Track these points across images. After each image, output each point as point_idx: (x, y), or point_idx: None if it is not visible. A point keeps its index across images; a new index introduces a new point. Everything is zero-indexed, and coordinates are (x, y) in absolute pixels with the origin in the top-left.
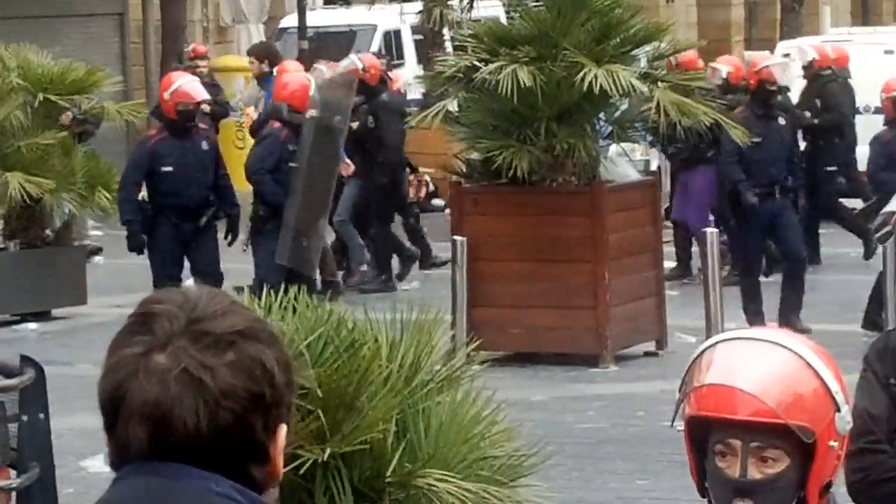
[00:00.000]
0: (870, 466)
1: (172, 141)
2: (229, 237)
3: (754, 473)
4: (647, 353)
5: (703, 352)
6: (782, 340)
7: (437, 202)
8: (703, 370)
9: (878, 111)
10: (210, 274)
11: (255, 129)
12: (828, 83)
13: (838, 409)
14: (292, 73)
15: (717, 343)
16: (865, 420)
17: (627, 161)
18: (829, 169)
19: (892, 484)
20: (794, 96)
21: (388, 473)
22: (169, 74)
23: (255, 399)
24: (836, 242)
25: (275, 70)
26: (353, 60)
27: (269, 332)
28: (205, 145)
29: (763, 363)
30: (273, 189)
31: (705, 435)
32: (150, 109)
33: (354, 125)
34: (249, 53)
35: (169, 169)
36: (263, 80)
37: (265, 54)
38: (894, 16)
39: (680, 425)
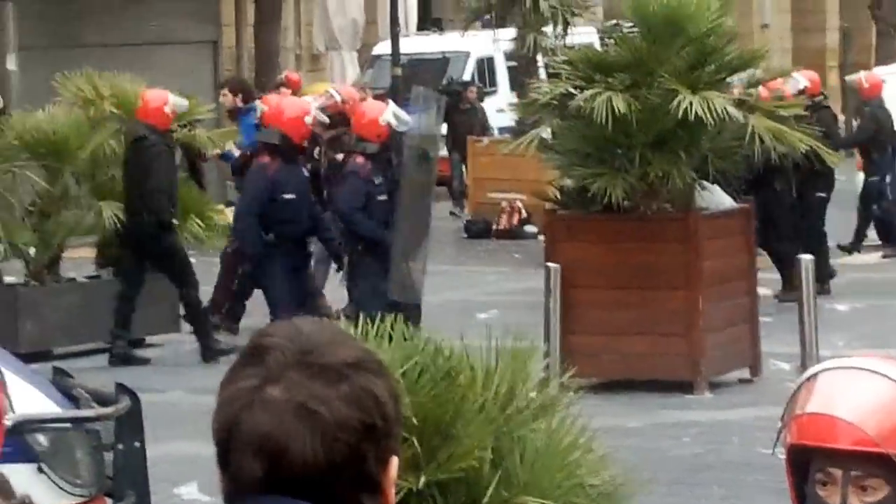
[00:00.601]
0: None
1: (288, 167)
2: (337, 265)
3: (854, 502)
4: (741, 380)
5: (805, 381)
6: (883, 370)
7: (530, 229)
8: (805, 399)
9: None
10: (309, 300)
11: (242, 166)
12: (819, 109)
13: None
14: (370, 104)
15: (819, 373)
16: None
17: (721, 188)
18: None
19: None
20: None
21: (484, 501)
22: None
23: (368, 430)
24: None
25: (257, 104)
26: (331, 93)
27: (379, 362)
28: (305, 171)
29: (863, 392)
30: (370, 226)
31: (806, 462)
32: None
33: (339, 156)
34: (223, 86)
35: (291, 196)
36: (236, 114)
37: (239, 88)
38: None
39: (781, 452)
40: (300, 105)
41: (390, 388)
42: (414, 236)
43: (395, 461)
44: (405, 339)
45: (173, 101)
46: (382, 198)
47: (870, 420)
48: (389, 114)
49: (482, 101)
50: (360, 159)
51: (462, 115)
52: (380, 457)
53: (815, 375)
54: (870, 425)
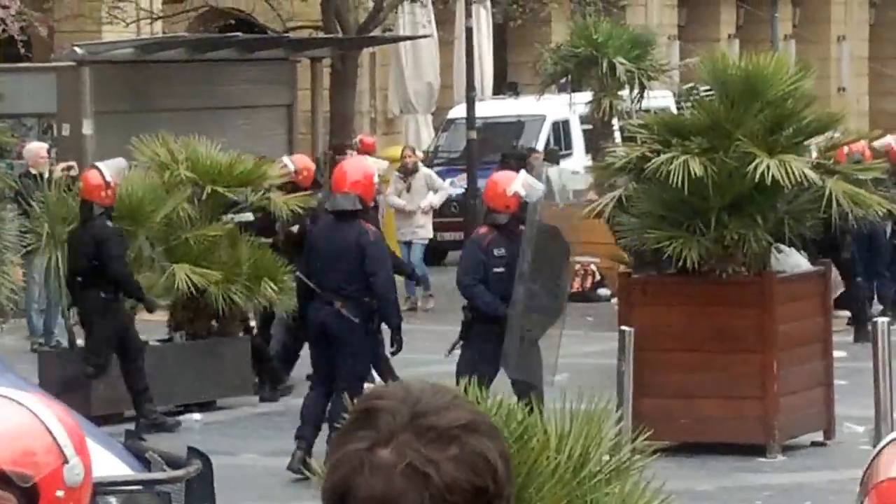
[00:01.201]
0: None
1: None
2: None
3: None
4: (814, 443)
5: (885, 446)
6: None
7: (603, 291)
8: (885, 465)
9: None
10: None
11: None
12: None
13: None
14: (502, 174)
15: None
16: None
17: (798, 251)
18: None
19: None
20: None
21: None
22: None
23: (479, 493)
24: None
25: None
26: (285, 163)
27: (491, 424)
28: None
29: None
30: (489, 299)
31: None
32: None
33: (295, 229)
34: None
35: (501, 270)
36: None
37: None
38: None
39: None
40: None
41: (501, 450)
42: (539, 314)
43: None
44: (479, 402)
45: (378, 167)
46: (499, 270)
47: None
48: (519, 184)
49: (557, 163)
50: (483, 229)
51: None
52: None
53: (893, 441)
54: None
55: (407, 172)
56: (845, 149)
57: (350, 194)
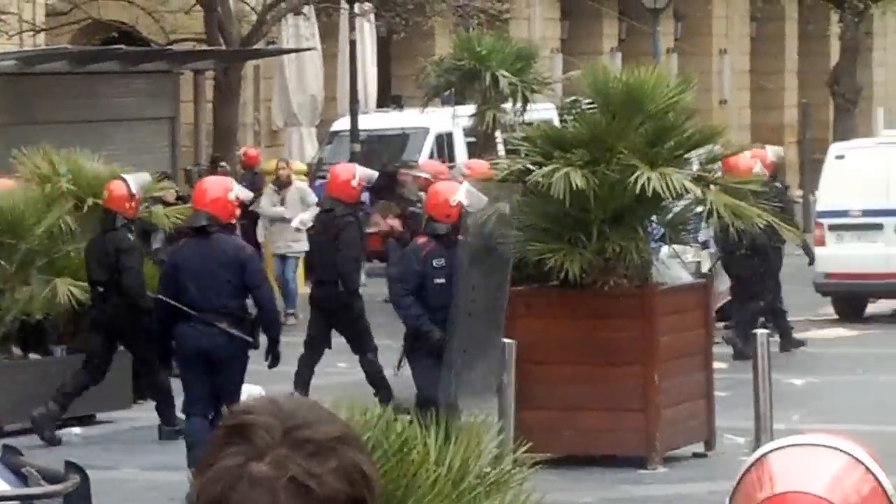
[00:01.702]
0: None
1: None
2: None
3: None
4: (695, 455)
5: (756, 462)
6: (840, 445)
7: None
8: (765, 480)
9: None
10: None
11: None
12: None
13: None
14: (443, 184)
15: (772, 451)
16: None
17: (679, 263)
18: None
19: None
20: None
21: None
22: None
23: None
24: (885, 343)
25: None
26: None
27: (360, 438)
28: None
29: (828, 468)
30: (415, 314)
31: None
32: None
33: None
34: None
35: (442, 281)
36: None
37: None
38: None
39: None
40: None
41: (371, 462)
42: (479, 336)
43: None
44: (357, 414)
45: (361, 174)
46: (440, 281)
47: (838, 494)
48: (463, 194)
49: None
50: (422, 239)
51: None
52: None
53: (766, 455)
54: (837, 498)
55: (281, 185)
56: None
57: (201, 211)
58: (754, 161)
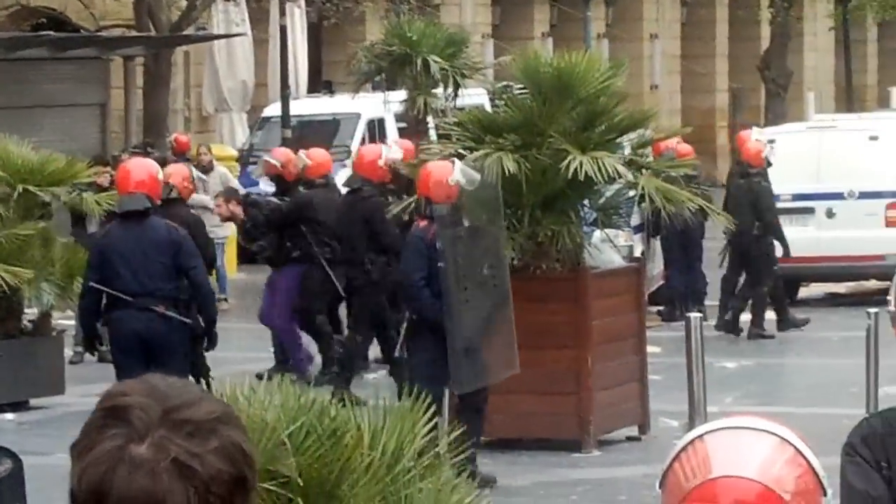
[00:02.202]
0: None
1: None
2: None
3: None
4: (629, 438)
5: (686, 446)
6: (768, 428)
7: None
8: (700, 465)
9: (862, 196)
10: None
11: None
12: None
13: (825, 493)
14: (436, 164)
15: (700, 436)
16: (868, 501)
17: (611, 247)
18: None
19: None
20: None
21: None
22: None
23: (238, 483)
24: (819, 327)
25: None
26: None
27: (238, 416)
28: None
29: (758, 451)
30: (429, 302)
31: None
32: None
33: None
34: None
35: (442, 265)
36: None
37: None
38: (878, 102)
39: None
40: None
41: (251, 441)
42: (479, 318)
43: None
44: (291, 399)
45: (386, 155)
46: (443, 264)
47: (774, 478)
48: (458, 173)
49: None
50: (423, 222)
51: None
52: None
53: (691, 443)
54: (777, 484)
55: (203, 171)
56: (663, 146)
57: (138, 194)
58: (762, 145)
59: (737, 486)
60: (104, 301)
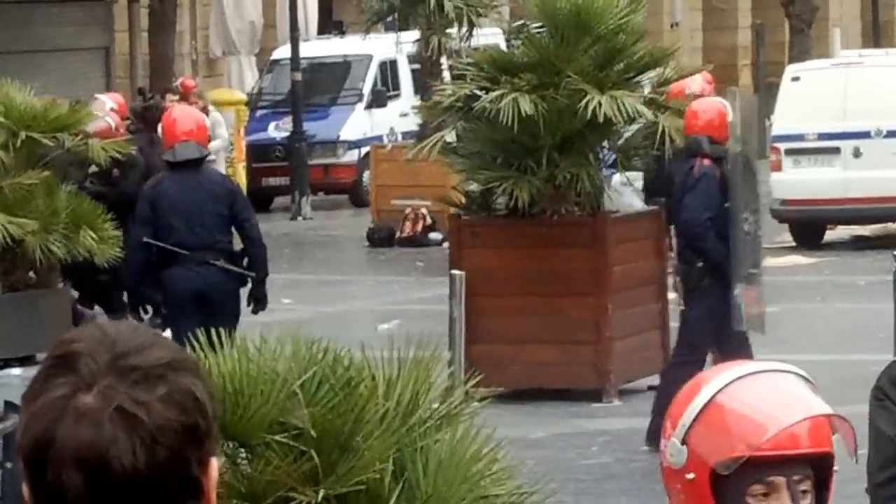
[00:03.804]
0: None
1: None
2: None
3: None
4: (650, 388)
5: (714, 396)
6: (790, 369)
7: (435, 236)
8: (756, 413)
9: (890, 134)
10: None
11: None
12: None
13: (834, 433)
14: (703, 101)
15: (730, 384)
16: None
17: (632, 190)
18: None
19: None
20: None
21: None
22: None
23: (190, 432)
24: (843, 270)
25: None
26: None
27: (194, 361)
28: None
29: (805, 390)
30: (716, 244)
31: (722, 480)
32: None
33: None
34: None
35: (727, 205)
36: None
37: None
38: None
39: (686, 472)
40: None
41: (207, 388)
42: (755, 251)
43: (214, 463)
44: (303, 349)
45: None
46: (727, 206)
47: (826, 406)
48: (729, 110)
49: (384, 105)
50: (707, 161)
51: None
52: (201, 459)
53: (721, 391)
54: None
55: None
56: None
57: (190, 142)
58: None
59: (819, 426)
60: (154, 259)
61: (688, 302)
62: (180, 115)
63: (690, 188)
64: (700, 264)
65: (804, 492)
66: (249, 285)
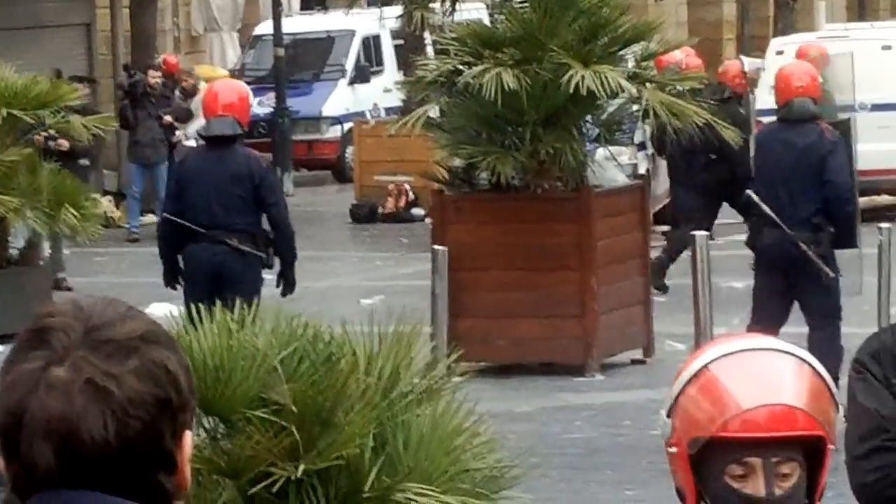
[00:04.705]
0: (890, 465)
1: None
2: None
3: (776, 490)
4: (634, 361)
5: (698, 373)
6: (784, 347)
7: (418, 211)
8: (726, 394)
9: (875, 108)
10: None
11: None
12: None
13: (837, 411)
14: (805, 65)
15: (714, 361)
16: (878, 420)
17: (615, 165)
18: None
19: None
20: None
21: (366, 489)
22: None
23: (163, 405)
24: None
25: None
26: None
27: (168, 335)
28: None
29: (787, 374)
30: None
31: (703, 456)
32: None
33: None
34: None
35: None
36: None
37: None
38: (891, 11)
39: (669, 446)
40: None
41: (181, 361)
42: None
43: (188, 436)
44: (283, 324)
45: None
46: None
47: (807, 402)
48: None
49: (367, 81)
50: (824, 124)
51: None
52: (175, 432)
53: (705, 367)
54: (810, 408)
55: (186, 96)
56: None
57: (227, 117)
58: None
59: (776, 414)
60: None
61: (819, 270)
62: (222, 88)
63: (830, 152)
64: (832, 229)
65: (785, 474)
66: (278, 268)
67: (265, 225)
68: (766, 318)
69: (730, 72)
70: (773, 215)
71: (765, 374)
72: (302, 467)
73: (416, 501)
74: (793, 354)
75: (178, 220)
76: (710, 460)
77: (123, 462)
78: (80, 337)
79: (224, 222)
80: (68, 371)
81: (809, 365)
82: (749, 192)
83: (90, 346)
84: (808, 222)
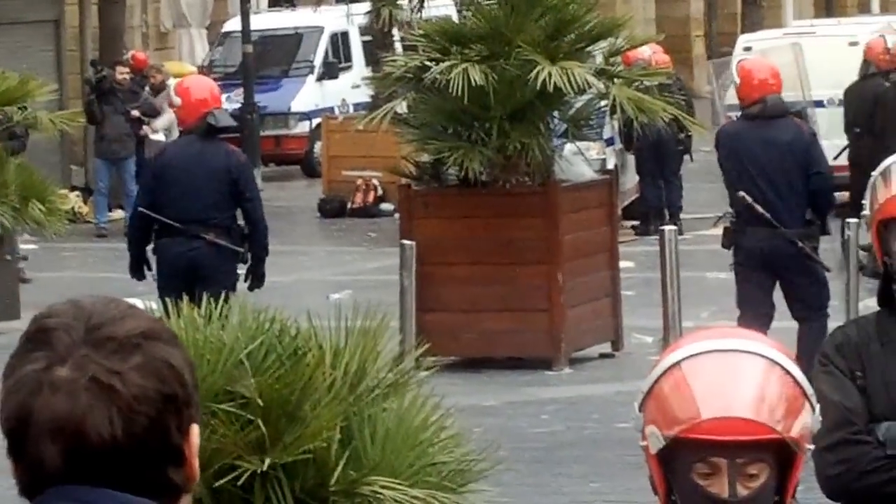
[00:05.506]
0: (855, 457)
1: None
2: None
3: (741, 490)
4: (602, 355)
5: (669, 369)
6: (755, 349)
7: (386, 206)
8: (689, 397)
9: (842, 104)
10: None
11: None
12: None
13: (812, 411)
14: (759, 61)
15: (686, 359)
16: (842, 412)
17: (583, 160)
18: None
19: (879, 474)
20: None
21: (333, 482)
22: None
23: (168, 400)
24: None
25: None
26: None
27: (170, 331)
28: None
29: (750, 380)
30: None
31: (672, 452)
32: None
33: None
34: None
35: None
36: None
37: None
38: (858, 7)
39: (641, 440)
40: None
41: (184, 357)
42: None
43: (195, 430)
44: (250, 318)
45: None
46: None
47: (764, 408)
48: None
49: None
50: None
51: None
52: (181, 426)
53: (681, 363)
54: (766, 415)
55: (156, 92)
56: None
57: (223, 111)
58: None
59: (730, 425)
60: (155, 227)
61: (815, 264)
62: (193, 83)
63: (811, 144)
64: (819, 222)
65: (752, 475)
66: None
67: (240, 220)
68: (756, 315)
69: (875, 49)
70: (767, 215)
71: (731, 380)
72: (268, 461)
73: (383, 495)
74: (764, 356)
75: (154, 215)
76: (678, 457)
77: (131, 458)
78: (82, 336)
79: (201, 217)
80: (71, 370)
81: (781, 366)
82: (742, 193)
83: (92, 344)
84: (801, 218)
